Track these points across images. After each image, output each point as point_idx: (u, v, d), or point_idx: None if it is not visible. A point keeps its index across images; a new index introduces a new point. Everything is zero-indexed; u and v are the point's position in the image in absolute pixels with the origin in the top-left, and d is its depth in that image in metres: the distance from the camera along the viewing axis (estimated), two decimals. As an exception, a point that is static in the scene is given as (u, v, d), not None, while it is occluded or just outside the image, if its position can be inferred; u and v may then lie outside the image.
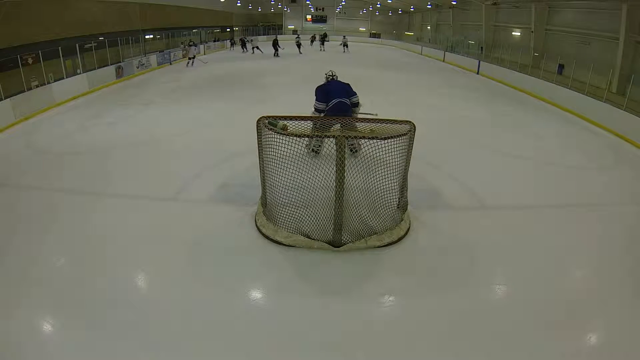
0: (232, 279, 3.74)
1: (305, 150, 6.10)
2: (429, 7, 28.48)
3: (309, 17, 40.47)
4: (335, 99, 5.98)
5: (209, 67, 17.98)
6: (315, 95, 6.16)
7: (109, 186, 5.54)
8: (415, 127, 4.21)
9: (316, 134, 4.33)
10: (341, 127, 4.69)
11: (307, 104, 7.57)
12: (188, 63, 18.58)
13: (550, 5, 16.33)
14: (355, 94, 6.27)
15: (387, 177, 4.12)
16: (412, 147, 4.28)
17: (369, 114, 6.18)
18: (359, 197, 4.27)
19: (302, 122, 4.42)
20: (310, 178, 4.13)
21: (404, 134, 4.03)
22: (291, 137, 3.98)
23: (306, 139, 5.43)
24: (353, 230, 4.19)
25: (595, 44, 13.83)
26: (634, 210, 5.42)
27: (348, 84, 6.34)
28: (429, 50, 25.84)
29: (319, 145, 6.09)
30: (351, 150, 5.78)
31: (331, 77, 6.51)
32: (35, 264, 3.87)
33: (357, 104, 6.30)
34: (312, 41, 29.21)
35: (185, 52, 20.60)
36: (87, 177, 5.82)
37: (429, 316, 3.34)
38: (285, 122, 4.64)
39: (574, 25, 15.13)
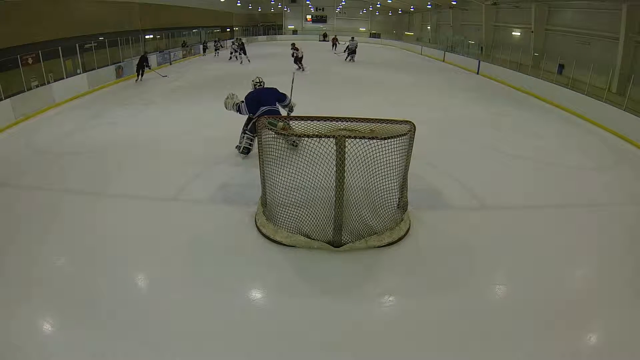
0: (232, 279, 3.74)
1: (236, 151, 6.54)
2: (429, 7, 28.48)
3: (309, 17, 40.47)
4: (265, 106, 6.08)
5: (209, 67, 17.97)
6: (246, 104, 6.17)
7: (109, 186, 5.54)
8: (415, 127, 4.21)
9: (318, 134, 4.32)
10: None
11: (307, 104, 7.58)
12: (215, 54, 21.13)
13: (550, 5, 16.32)
14: (285, 97, 6.43)
15: (387, 177, 4.11)
16: (412, 147, 4.28)
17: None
18: (359, 197, 4.27)
19: (302, 122, 4.42)
20: (310, 178, 4.12)
21: (404, 134, 4.02)
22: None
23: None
24: (353, 230, 4.19)
25: (595, 44, 13.82)
26: (634, 210, 5.42)
27: (275, 89, 6.44)
28: (429, 50, 25.84)
29: (250, 144, 6.35)
30: (292, 144, 5.93)
31: (259, 85, 6.54)
32: (35, 264, 3.87)
33: (290, 106, 6.59)
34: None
35: (186, 52, 20.67)
36: (87, 177, 5.82)
37: (429, 316, 3.34)
38: (284, 122, 4.65)
39: (574, 25, 15.13)
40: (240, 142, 6.57)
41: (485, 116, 10.31)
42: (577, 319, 3.36)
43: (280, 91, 6.52)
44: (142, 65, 14.01)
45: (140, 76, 14.03)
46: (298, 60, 17.00)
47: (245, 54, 19.64)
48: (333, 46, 26.54)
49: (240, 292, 3.61)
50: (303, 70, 16.45)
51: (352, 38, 22.02)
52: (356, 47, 20.63)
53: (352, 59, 20.50)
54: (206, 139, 7.57)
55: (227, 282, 3.69)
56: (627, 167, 7.12)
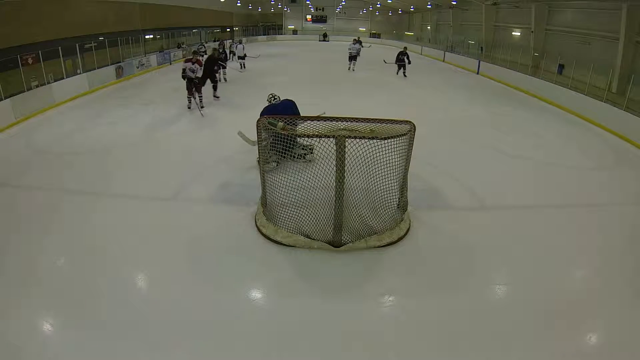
0: (232, 279, 3.74)
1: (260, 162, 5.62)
2: (429, 7, 28.48)
3: (309, 17, 40.48)
4: None
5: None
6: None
7: (109, 186, 5.54)
8: (415, 127, 4.21)
9: (318, 134, 4.32)
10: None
11: (307, 103, 7.57)
12: (241, 67, 16.18)
13: (550, 5, 16.32)
14: (299, 114, 6.19)
15: (387, 177, 4.12)
16: (412, 147, 4.28)
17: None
18: (359, 197, 4.27)
19: (302, 122, 4.42)
20: (310, 178, 4.13)
21: (404, 134, 4.03)
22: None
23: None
24: (353, 230, 4.19)
25: (595, 44, 13.82)
26: (634, 210, 5.42)
27: (293, 103, 6.29)
28: (429, 50, 25.83)
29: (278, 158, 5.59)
30: (299, 157, 5.66)
31: (274, 99, 6.46)
32: (35, 264, 3.87)
33: None
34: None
35: (186, 52, 20.15)
36: (87, 177, 5.82)
37: (429, 316, 3.34)
38: (284, 122, 4.65)
39: (574, 25, 15.13)
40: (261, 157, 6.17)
41: (485, 116, 10.31)
42: (577, 319, 3.36)
43: (297, 108, 6.30)
44: (214, 71, 9.24)
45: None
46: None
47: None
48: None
49: (240, 292, 3.61)
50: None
51: (355, 40, 17.86)
52: (358, 53, 17.20)
53: (352, 67, 17.01)
54: (206, 139, 7.57)
55: (227, 282, 3.69)
56: (627, 167, 7.12)
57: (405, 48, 16.26)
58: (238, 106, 10.32)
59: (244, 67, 16.74)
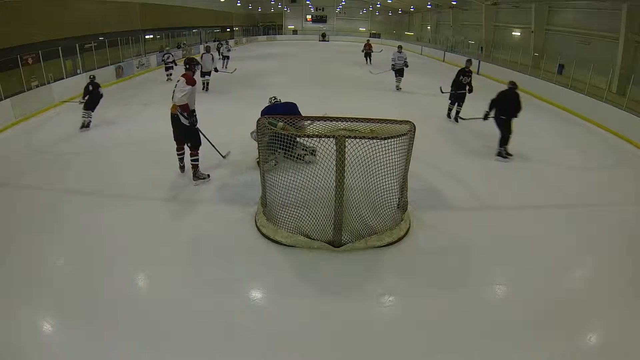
0: (232, 279, 3.74)
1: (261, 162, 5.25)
2: (429, 7, 28.50)
3: (309, 17, 40.49)
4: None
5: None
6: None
7: (109, 186, 5.54)
8: (415, 127, 4.22)
9: (318, 134, 4.32)
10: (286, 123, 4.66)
11: (307, 104, 7.57)
12: (204, 87, 11.49)
13: (550, 5, 16.34)
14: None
15: (387, 177, 4.12)
16: (412, 147, 4.28)
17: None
18: (359, 197, 4.27)
19: (302, 122, 4.42)
20: (310, 178, 4.13)
21: (404, 134, 4.03)
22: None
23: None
24: (353, 230, 4.19)
25: (595, 44, 13.84)
26: (634, 210, 5.42)
27: (294, 105, 6.28)
28: (429, 51, 25.84)
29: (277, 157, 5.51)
30: (298, 158, 5.64)
31: (275, 101, 6.49)
32: (35, 264, 3.87)
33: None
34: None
35: (186, 52, 18.83)
36: (87, 177, 5.83)
37: (429, 316, 3.34)
38: (284, 122, 4.65)
39: (574, 25, 15.15)
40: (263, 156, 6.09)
41: (485, 116, 10.28)
42: (577, 319, 3.36)
43: (299, 109, 6.27)
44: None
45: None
46: None
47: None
48: (367, 57, 18.82)
49: (240, 292, 3.61)
50: None
51: (400, 48, 12.91)
52: (405, 64, 12.60)
53: (400, 85, 12.95)
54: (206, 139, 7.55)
55: (227, 282, 3.69)
56: (627, 167, 7.11)
57: (470, 63, 9.33)
58: (237, 106, 10.29)
59: (207, 87, 11.68)
